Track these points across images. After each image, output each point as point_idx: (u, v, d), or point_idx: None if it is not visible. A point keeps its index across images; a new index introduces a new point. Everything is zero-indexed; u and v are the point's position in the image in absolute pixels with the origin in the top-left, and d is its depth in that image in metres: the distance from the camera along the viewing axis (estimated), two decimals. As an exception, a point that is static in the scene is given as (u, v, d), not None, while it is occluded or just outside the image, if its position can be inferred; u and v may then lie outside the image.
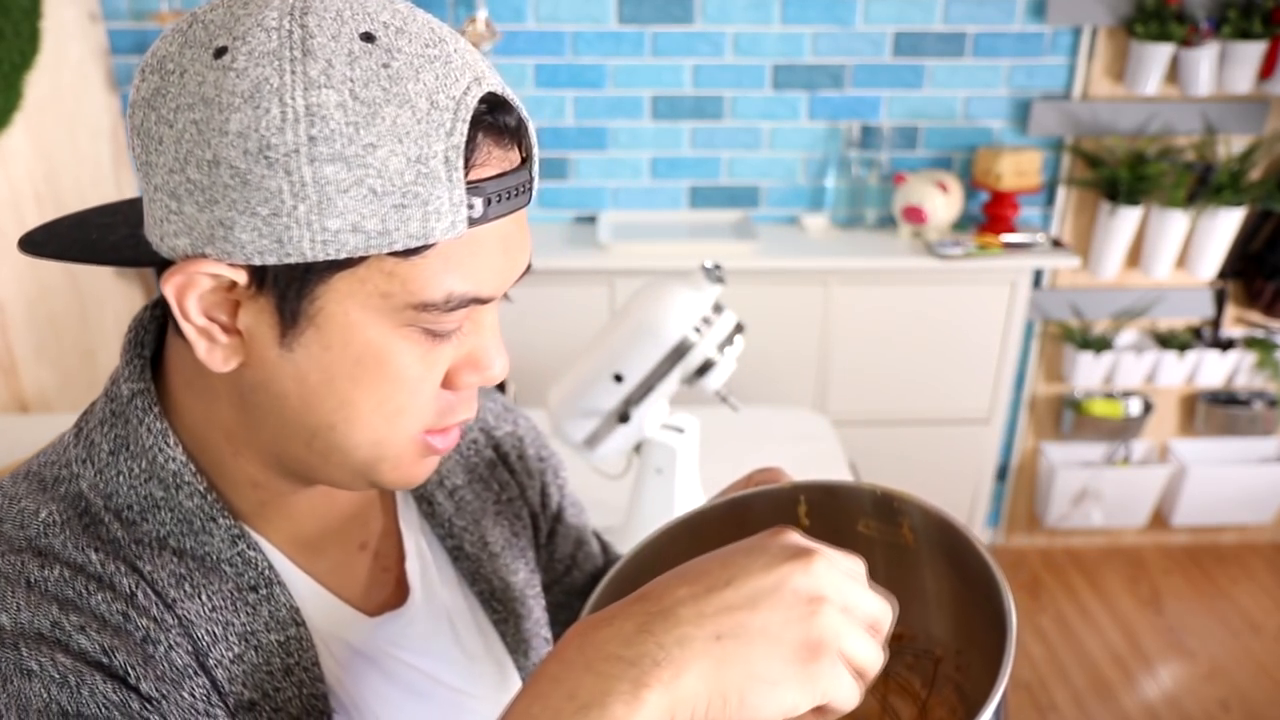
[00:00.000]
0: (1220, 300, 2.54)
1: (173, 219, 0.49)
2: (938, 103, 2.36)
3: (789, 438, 1.68)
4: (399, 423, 0.53)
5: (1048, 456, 2.70)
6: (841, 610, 0.45)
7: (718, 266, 1.14)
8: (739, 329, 1.18)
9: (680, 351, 1.14)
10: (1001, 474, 2.80)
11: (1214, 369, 2.55)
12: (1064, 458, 2.71)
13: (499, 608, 0.72)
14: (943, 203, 2.25)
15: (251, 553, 0.57)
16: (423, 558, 0.69)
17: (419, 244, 0.47)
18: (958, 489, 2.54)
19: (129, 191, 2.37)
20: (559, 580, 0.85)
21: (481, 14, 2.16)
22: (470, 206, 0.48)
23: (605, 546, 0.90)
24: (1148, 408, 2.62)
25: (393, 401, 0.52)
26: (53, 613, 0.50)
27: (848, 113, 2.37)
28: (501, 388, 0.87)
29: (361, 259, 0.47)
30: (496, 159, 0.49)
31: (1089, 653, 2.46)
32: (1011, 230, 2.33)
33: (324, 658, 0.61)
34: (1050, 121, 2.35)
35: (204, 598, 0.55)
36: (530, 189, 0.52)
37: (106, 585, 0.52)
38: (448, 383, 0.54)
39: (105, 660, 0.50)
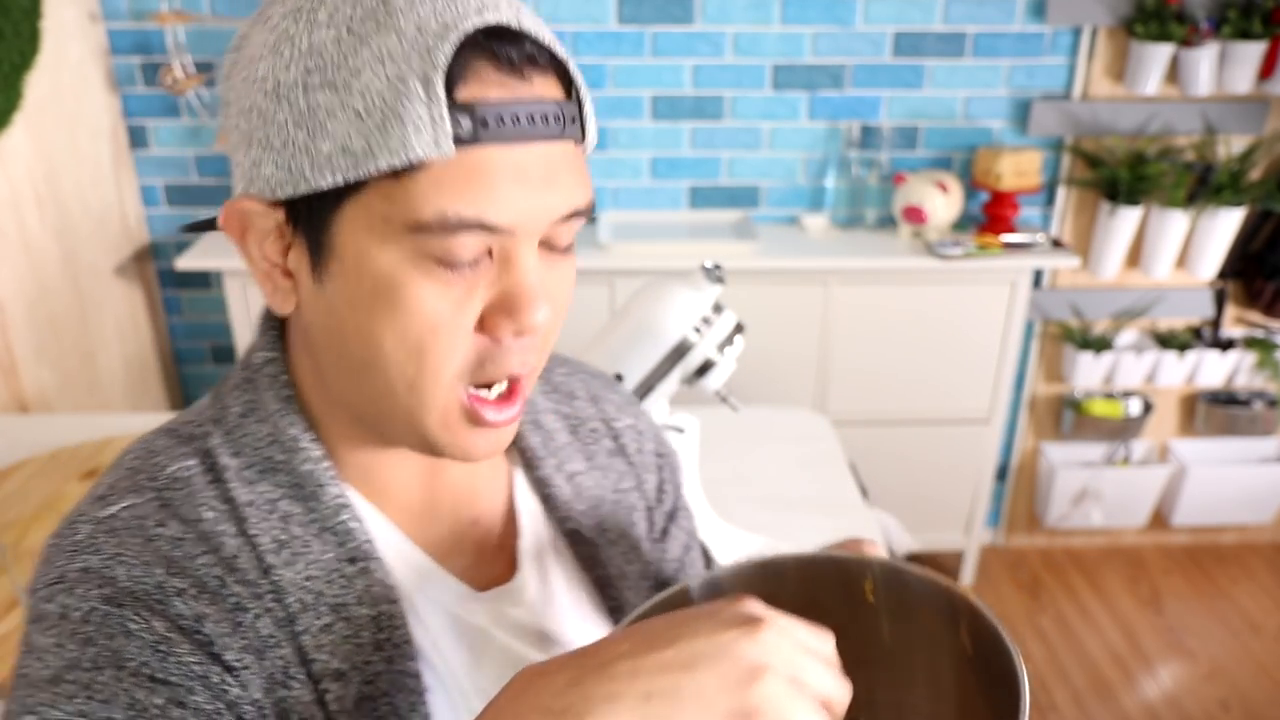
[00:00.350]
0: (1220, 300, 2.54)
1: (235, 171, 0.55)
2: (938, 103, 2.36)
3: (789, 438, 1.68)
4: (427, 365, 0.52)
5: (1048, 456, 2.70)
6: (788, 682, 0.43)
7: (718, 266, 1.14)
8: (739, 329, 1.18)
9: (680, 351, 1.14)
10: (1001, 474, 2.80)
11: (1214, 369, 2.55)
12: (1064, 458, 2.71)
13: (614, 595, 0.71)
14: (943, 203, 2.25)
15: (353, 524, 0.59)
16: (538, 539, 0.69)
17: (402, 162, 0.48)
18: (958, 489, 2.54)
19: (129, 191, 2.37)
20: (670, 581, 0.82)
21: (481, 14, 2.16)
22: (458, 125, 0.48)
23: (708, 557, 0.87)
24: (1148, 408, 2.62)
25: (412, 336, 0.52)
26: (158, 574, 0.53)
27: (848, 113, 2.37)
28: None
29: (363, 184, 0.50)
30: (496, 84, 0.49)
31: (1089, 653, 2.46)
32: (1011, 230, 2.33)
33: (420, 631, 0.61)
34: (1050, 121, 2.35)
35: (301, 565, 0.57)
36: (559, 123, 0.51)
37: (212, 547, 0.55)
38: (484, 328, 0.53)
39: (196, 629, 0.53)
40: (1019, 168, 2.26)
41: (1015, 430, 2.74)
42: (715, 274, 1.14)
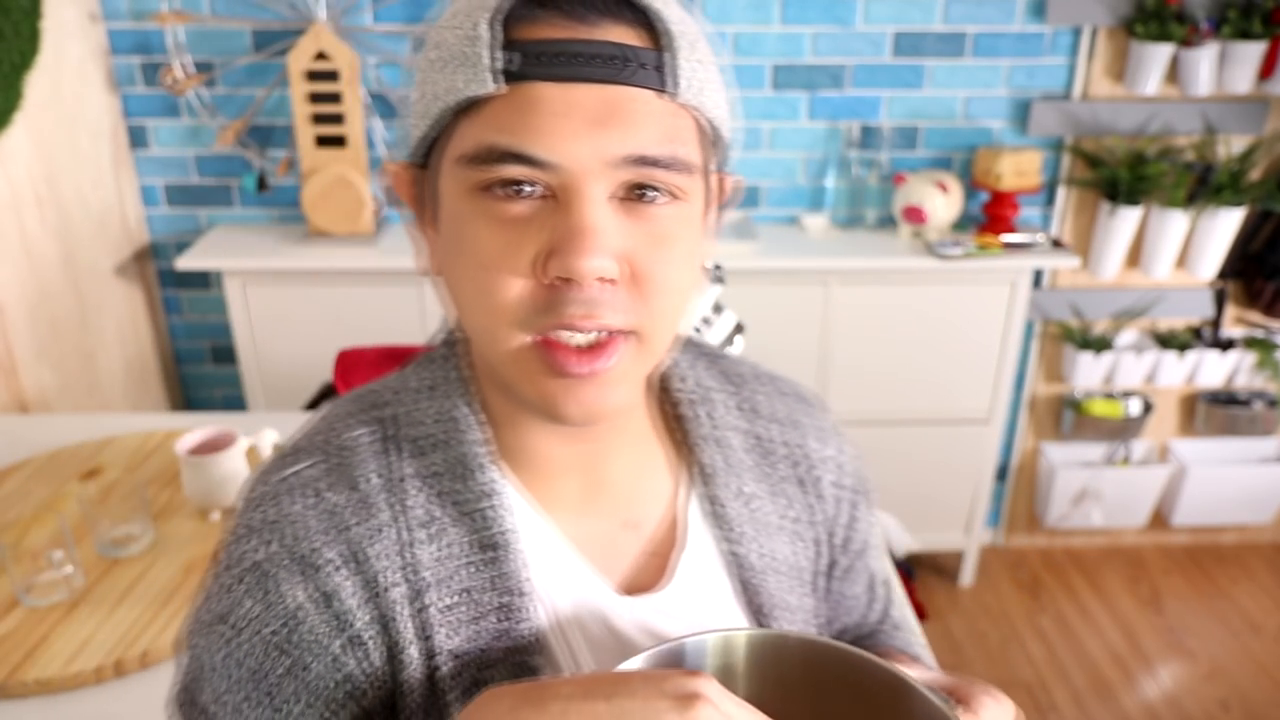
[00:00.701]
0: (1220, 300, 2.54)
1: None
2: (938, 103, 2.36)
3: (789, 438, 1.68)
4: (494, 308, 0.53)
5: (1048, 456, 2.70)
6: None
7: (718, 266, 1.15)
8: (739, 329, 1.18)
9: (680, 352, 1.14)
10: (1001, 474, 2.80)
11: (1214, 369, 2.55)
12: (1064, 458, 2.71)
13: (769, 625, 0.69)
14: (943, 203, 2.25)
15: (497, 513, 0.60)
16: (698, 555, 0.67)
17: (459, 99, 0.51)
18: (958, 489, 2.54)
19: (129, 191, 2.37)
20: (860, 623, 0.80)
21: (481, 14, 2.16)
22: (508, 61, 0.50)
23: (886, 602, 0.83)
24: (1148, 408, 2.62)
25: (478, 278, 0.53)
26: (315, 540, 0.58)
27: (848, 113, 2.37)
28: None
29: (446, 131, 0.53)
30: (559, 27, 0.50)
31: (1089, 653, 2.46)
32: (1011, 230, 2.33)
33: (553, 626, 0.62)
34: (1050, 121, 2.35)
35: (440, 543, 0.59)
36: (623, 65, 0.50)
37: (367, 515, 0.59)
38: (542, 272, 0.52)
39: (331, 600, 0.57)
40: (1019, 168, 2.26)
41: (1015, 430, 2.74)
42: (715, 274, 1.14)
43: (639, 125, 0.51)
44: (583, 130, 0.50)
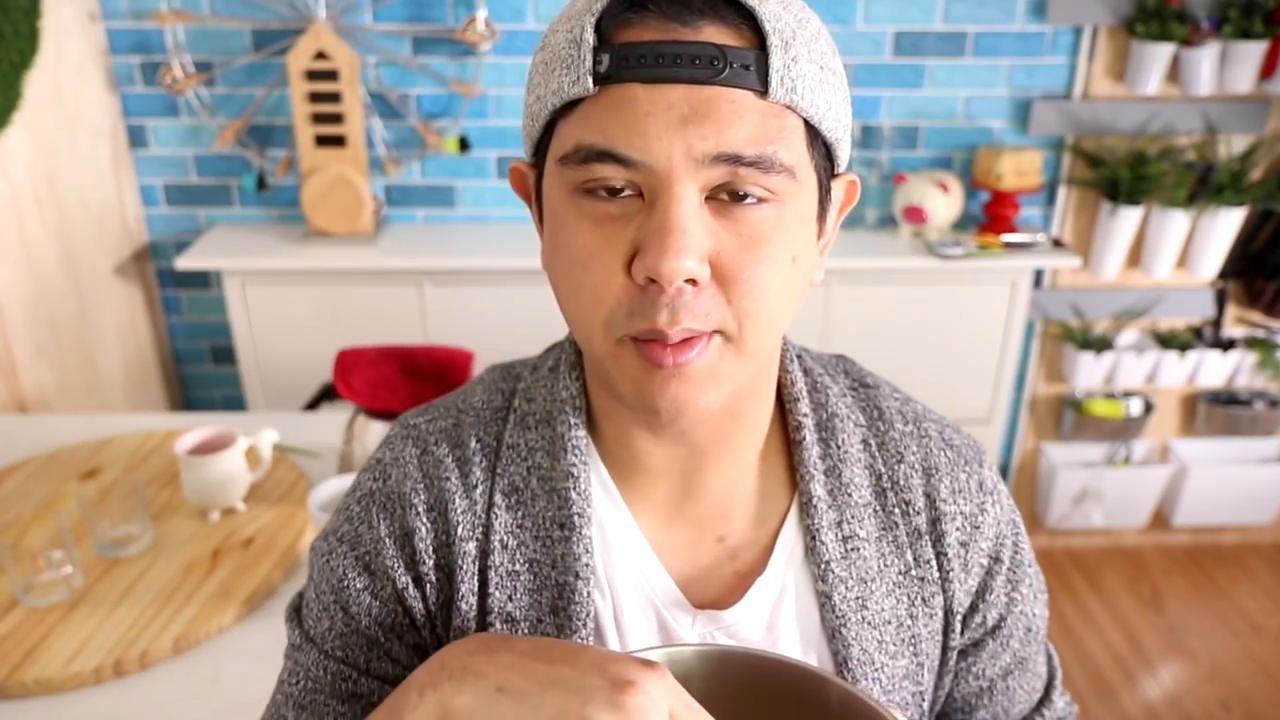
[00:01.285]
0: (1221, 300, 2.54)
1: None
2: (938, 102, 2.36)
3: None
4: (588, 307, 0.54)
5: (1048, 456, 2.69)
6: None
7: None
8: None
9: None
10: (1002, 474, 2.80)
11: (1215, 369, 2.55)
12: (1064, 458, 2.70)
13: (848, 678, 0.65)
14: (943, 202, 2.25)
15: (576, 495, 0.62)
16: (785, 586, 0.65)
17: (559, 100, 0.53)
18: (958, 489, 2.53)
19: (129, 191, 2.37)
20: (963, 698, 0.74)
21: (481, 14, 2.16)
22: (599, 62, 0.51)
23: (1034, 702, 0.77)
24: (1148, 408, 2.61)
25: (571, 275, 0.54)
26: (413, 483, 0.65)
27: (848, 112, 2.36)
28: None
29: (551, 132, 0.55)
30: (656, 29, 0.51)
31: (1090, 653, 2.46)
32: (1012, 230, 2.32)
33: (616, 618, 0.63)
34: (1051, 121, 2.34)
35: (520, 513, 0.64)
36: (718, 66, 0.50)
37: (462, 473, 0.65)
38: (632, 273, 0.52)
39: (412, 538, 0.63)
40: (1019, 167, 2.26)
41: (1016, 430, 2.73)
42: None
43: (730, 124, 0.50)
44: (671, 128, 0.50)
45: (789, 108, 0.52)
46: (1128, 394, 2.63)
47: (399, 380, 1.91)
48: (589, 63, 0.51)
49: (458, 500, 0.64)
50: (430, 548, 0.63)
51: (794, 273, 0.55)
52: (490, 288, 2.22)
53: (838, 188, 0.61)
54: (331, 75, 2.10)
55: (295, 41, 2.11)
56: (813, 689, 0.56)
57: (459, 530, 0.63)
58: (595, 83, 0.51)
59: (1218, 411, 2.64)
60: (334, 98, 2.12)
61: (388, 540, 0.64)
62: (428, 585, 0.63)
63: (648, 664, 0.47)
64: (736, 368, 0.55)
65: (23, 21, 1.89)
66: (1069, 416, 2.64)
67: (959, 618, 0.68)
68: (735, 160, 0.51)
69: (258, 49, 2.25)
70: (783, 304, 0.55)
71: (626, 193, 0.52)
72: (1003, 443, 2.71)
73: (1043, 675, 0.77)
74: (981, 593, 0.69)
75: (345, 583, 0.65)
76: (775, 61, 0.51)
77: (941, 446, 0.69)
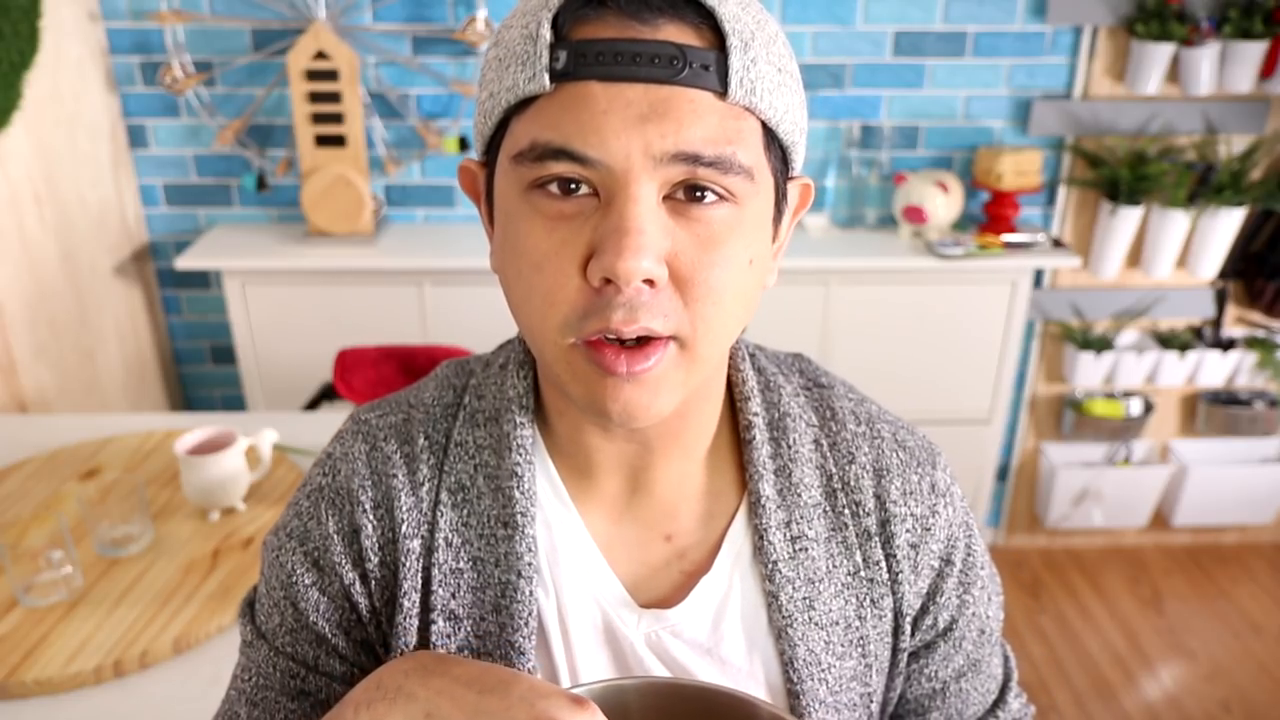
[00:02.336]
0: (1221, 300, 2.54)
1: None
2: (938, 102, 2.36)
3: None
4: (542, 310, 0.53)
5: (1048, 456, 2.69)
6: None
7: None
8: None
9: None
10: (1002, 474, 2.80)
11: (1215, 369, 2.55)
12: (1065, 458, 2.70)
13: (798, 678, 0.64)
14: (943, 202, 2.25)
15: (520, 494, 0.62)
16: (731, 585, 0.64)
17: (513, 98, 0.52)
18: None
19: (128, 191, 2.36)
20: (914, 697, 0.73)
21: (481, 14, 2.16)
22: (555, 60, 0.50)
23: (1001, 702, 0.76)
24: (1148, 408, 2.61)
25: (524, 277, 0.53)
26: (360, 479, 0.65)
27: (848, 112, 2.36)
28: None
29: (504, 130, 0.54)
30: (614, 27, 0.50)
31: (1090, 653, 2.46)
32: (1012, 230, 2.32)
33: (559, 617, 0.64)
34: (1051, 121, 2.34)
35: (465, 511, 0.63)
36: (678, 66, 0.49)
37: (409, 470, 0.64)
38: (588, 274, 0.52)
39: (359, 535, 0.63)
40: (1019, 167, 2.26)
41: (1016, 430, 2.73)
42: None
43: (688, 123, 0.50)
44: (629, 127, 0.49)
45: (748, 109, 0.52)
46: (1128, 394, 2.63)
47: (399, 380, 1.91)
48: (545, 59, 0.50)
49: (403, 498, 0.63)
50: (376, 545, 0.63)
51: (750, 275, 0.55)
52: (490, 288, 2.22)
53: (793, 190, 0.60)
54: (331, 75, 2.10)
55: (295, 41, 2.11)
56: (746, 716, 0.57)
57: (403, 528, 0.63)
58: (552, 80, 0.50)
59: (1218, 411, 2.64)
60: (334, 98, 2.12)
61: (335, 537, 0.64)
62: (373, 582, 0.64)
63: (577, 701, 0.48)
64: (688, 373, 0.55)
65: (23, 21, 1.89)
66: (1069, 416, 2.64)
67: (909, 620, 0.68)
68: (694, 160, 0.50)
69: (258, 49, 2.25)
70: (738, 306, 0.55)
71: (582, 191, 0.51)
72: (1003, 443, 2.71)
73: (998, 677, 0.76)
74: (932, 594, 0.69)
75: (294, 579, 0.65)
76: (735, 62, 0.50)
77: (894, 448, 0.69)
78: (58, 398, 2.08)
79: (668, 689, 0.58)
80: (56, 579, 1.19)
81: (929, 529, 0.67)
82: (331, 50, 2.08)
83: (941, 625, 0.70)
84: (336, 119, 2.14)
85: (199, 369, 2.60)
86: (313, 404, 2.12)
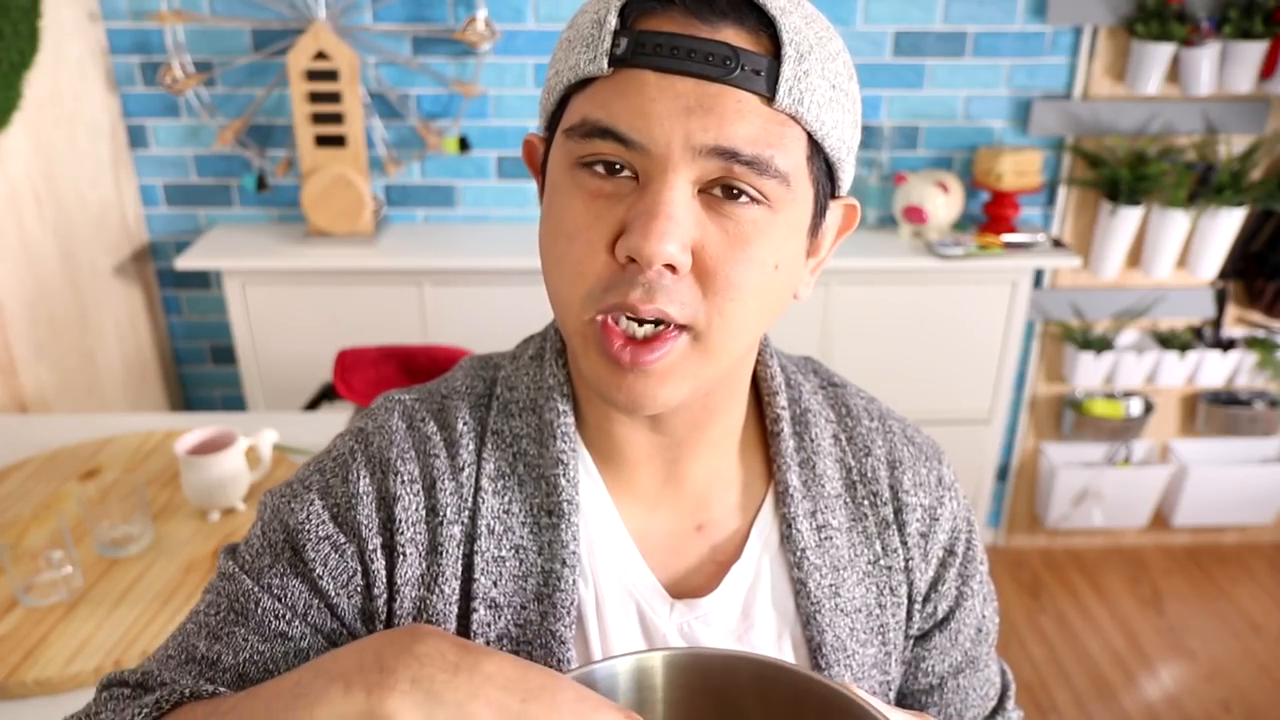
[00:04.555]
0: (1221, 300, 2.54)
1: None
2: (938, 102, 2.36)
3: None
4: (569, 279, 0.55)
5: (1048, 456, 2.69)
6: None
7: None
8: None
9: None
10: (1002, 474, 2.80)
11: (1215, 369, 2.55)
12: (1065, 458, 2.70)
13: (825, 664, 0.66)
14: (943, 202, 2.25)
15: (565, 482, 0.63)
16: (760, 573, 0.66)
17: (574, 77, 0.54)
18: (958, 489, 2.53)
19: (128, 191, 2.36)
20: (914, 687, 0.74)
21: (481, 14, 2.15)
22: (616, 45, 0.52)
23: (1001, 710, 0.77)
24: (1148, 408, 2.61)
25: (560, 246, 0.55)
26: (399, 450, 0.63)
27: (848, 112, 2.36)
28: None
29: (564, 107, 0.56)
30: (669, 20, 0.52)
31: (1090, 653, 2.46)
32: (1012, 230, 2.32)
33: (597, 607, 0.63)
34: (1051, 121, 2.34)
35: (506, 499, 0.63)
36: (730, 67, 0.51)
37: (450, 454, 0.64)
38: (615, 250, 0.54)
39: (395, 504, 0.62)
40: (1019, 167, 2.26)
41: (1016, 430, 2.73)
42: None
43: (732, 121, 0.51)
44: (674, 116, 0.51)
45: (793, 118, 0.53)
46: (1128, 394, 2.63)
47: (399, 380, 1.91)
48: (607, 44, 0.52)
49: (445, 481, 0.63)
50: (412, 521, 0.62)
51: (775, 279, 0.56)
52: (490, 288, 2.22)
53: (835, 210, 0.61)
54: (331, 75, 2.10)
55: (295, 41, 2.11)
56: (773, 679, 0.56)
57: (445, 512, 0.62)
58: (610, 64, 0.52)
59: (1218, 411, 2.64)
60: (334, 98, 2.12)
61: (366, 498, 0.62)
62: (399, 557, 0.61)
63: (625, 714, 0.46)
64: (700, 366, 0.56)
65: (23, 21, 1.89)
66: (1069, 416, 2.64)
67: (918, 606, 0.70)
68: (732, 156, 0.52)
69: (258, 49, 2.25)
70: (758, 307, 0.55)
71: (624, 173, 0.53)
72: (1003, 443, 2.71)
73: (996, 684, 0.77)
74: (935, 583, 0.71)
75: (307, 527, 0.62)
76: (786, 71, 0.52)
77: (904, 442, 0.72)
78: (58, 398, 2.08)
79: (696, 660, 0.57)
80: (56, 579, 1.19)
81: (936, 519, 0.70)
82: (331, 50, 2.08)
83: (940, 614, 0.72)
84: (336, 119, 2.14)
85: (199, 369, 2.60)
86: (313, 404, 2.12)
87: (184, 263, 2.17)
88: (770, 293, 0.56)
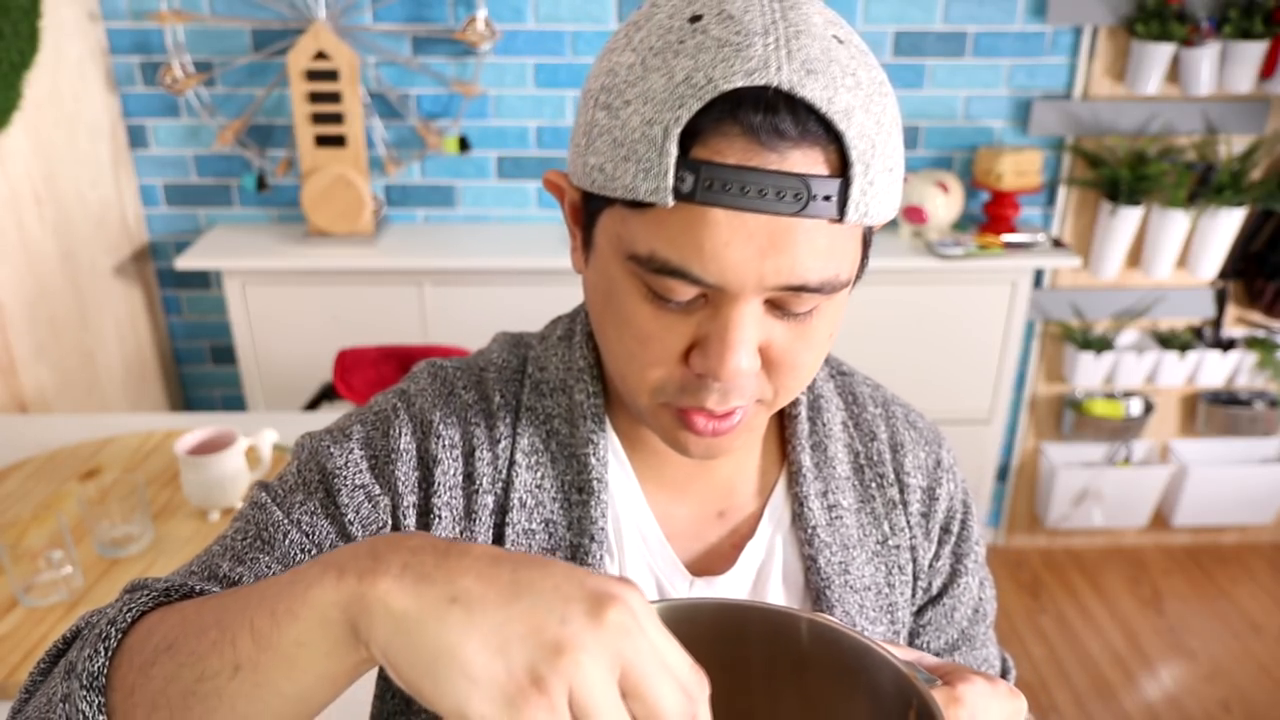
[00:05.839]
0: (1221, 300, 2.54)
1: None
2: (938, 102, 2.36)
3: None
4: (635, 368, 0.57)
5: (1048, 456, 2.69)
6: (606, 669, 0.38)
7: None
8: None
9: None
10: (1002, 474, 2.80)
11: (1215, 369, 2.55)
12: (1065, 458, 2.70)
13: None
14: (943, 202, 2.25)
15: (595, 461, 0.65)
16: (773, 551, 0.69)
17: (630, 197, 0.51)
18: (958, 489, 2.53)
19: (128, 191, 2.36)
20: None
21: (481, 14, 2.16)
22: (681, 180, 0.50)
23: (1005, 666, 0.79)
24: (1148, 408, 2.61)
25: (624, 341, 0.56)
26: (440, 414, 0.66)
27: (848, 112, 2.36)
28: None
29: (612, 201, 0.54)
30: (739, 150, 0.49)
31: (1090, 653, 2.46)
32: (1012, 230, 2.32)
33: None
34: (1051, 121, 2.34)
35: (539, 474, 0.65)
36: (801, 200, 0.50)
37: (488, 425, 0.66)
38: (689, 360, 0.56)
39: (435, 465, 0.64)
40: (1019, 167, 2.26)
41: (1016, 430, 2.73)
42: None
43: (803, 255, 0.51)
44: (748, 258, 0.51)
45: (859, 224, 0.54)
46: (1128, 394, 2.63)
47: (399, 380, 1.91)
48: (671, 179, 0.50)
49: (483, 451, 0.65)
50: (449, 485, 0.64)
51: (829, 343, 0.59)
52: (490, 288, 2.22)
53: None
54: (331, 75, 2.10)
55: (295, 41, 2.11)
56: (780, 625, 0.55)
57: (482, 481, 0.64)
58: (675, 198, 0.50)
59: (1218, 411, 2.64)
60: (334, 98, 2.12)
61: (406, 455, 0.64)
62: (435, 518, 0.63)
63: (624, 580, 0.42)
64: (765, 417, 0.61)
65: (23, 21, 1.89)
66: (1069, 416, 2.64)
67: (919, 584, 0.73)
68: (801, 288, 0.53)
69: (258, 49, 2.25)
70: (815, 369, 0.59)
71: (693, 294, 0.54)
72: (1003, 443, 2.71)
73: (996, 667, 0.78)
74: (934, 561, 0.74)
75: (344, 473, 0.63)
76: (855, 190, 0.51)
77: (906, 426, 0.75)
78: (58, 398, 2.08)
79: (699, 609, 0.56)
80: (56, 579, 1.19)
81: (935, 499, 0.73)
82: (331, 50, 2.08)
83: (934, 590, 0.74)
84: (336, 119, 2.14)
85: (199, 369, 2.60)
86: (313, 404, 2.12)
87: (184, 263, 2.17)
88: (824, 353, 0.59)
